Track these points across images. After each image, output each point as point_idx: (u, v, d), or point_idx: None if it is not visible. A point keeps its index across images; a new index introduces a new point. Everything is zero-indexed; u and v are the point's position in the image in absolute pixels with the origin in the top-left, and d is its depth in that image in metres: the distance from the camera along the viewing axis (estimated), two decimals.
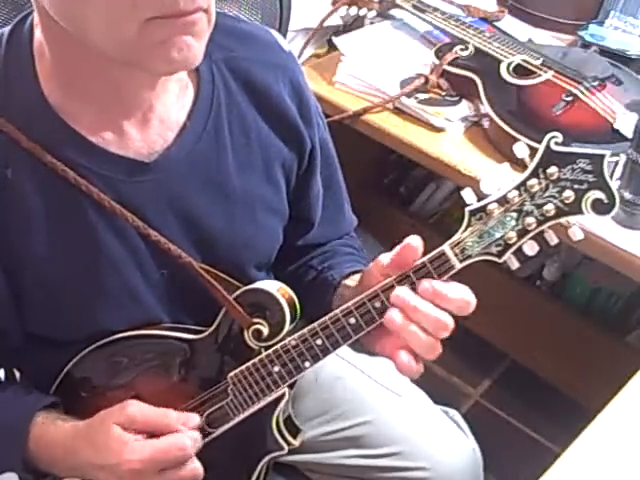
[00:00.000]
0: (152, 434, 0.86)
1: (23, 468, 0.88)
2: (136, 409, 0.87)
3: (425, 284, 0.78)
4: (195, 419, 0.89)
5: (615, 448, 0.87)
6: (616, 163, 1.22)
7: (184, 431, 0.87)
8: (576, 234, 0.77)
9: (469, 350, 1.91)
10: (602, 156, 0.74)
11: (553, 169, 0.75)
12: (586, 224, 1.18)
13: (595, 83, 1.40)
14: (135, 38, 0.71)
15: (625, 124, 1.30)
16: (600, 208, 0.74)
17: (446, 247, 0.79)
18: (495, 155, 1.38)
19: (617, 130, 1.31)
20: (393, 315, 0.79)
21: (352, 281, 0.95)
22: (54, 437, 0.87)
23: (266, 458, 0.94)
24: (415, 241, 0.79)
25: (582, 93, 1.38)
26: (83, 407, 0.93)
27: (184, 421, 0.88)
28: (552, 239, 0.78)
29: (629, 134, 1.26)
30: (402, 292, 0.79)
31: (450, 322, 0.79)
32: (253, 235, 0.95)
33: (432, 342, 0.79)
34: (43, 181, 0.82)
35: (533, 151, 0.77)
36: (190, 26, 0.72)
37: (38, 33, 0.80)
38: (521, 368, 1.97)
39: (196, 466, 0.87)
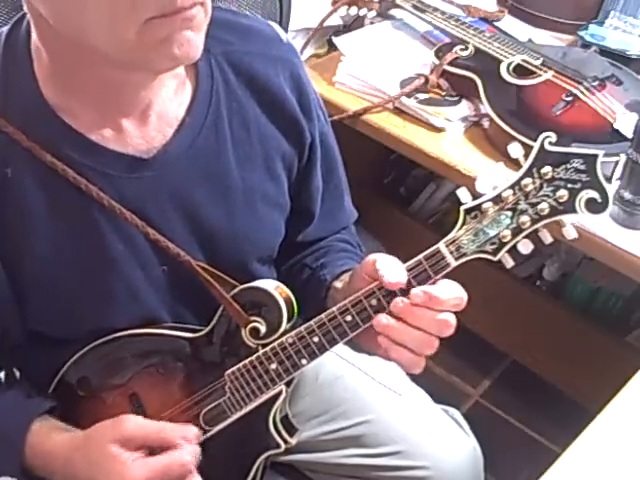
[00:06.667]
0: (151, 449, 0.85)
1: (21, 475, 0.88)
2: (133, 425, 0.85)
3: (417, 291, 0.80)
4: (193, 430, 0.88)
5: (615, 448, 0.87)
6: (616, 163, 1.22)
7: (184, 445, 0.86)
8: (570, 233, 0.78)
9: (469, 350, 1.91)
10: (595, 156, 0.75)
11: (547, 169, 0.76)
12: (586, 224, 1.18)
13: (595, 83, 1.40)
14: (135, 39, 0.71)
15: (625, 124, 1.30)
16: (593, 207, 0.76)
17: (441, 245, 0.80)
18: (495, 155, 1.37)
19: (617, 130, 1.31)
20: (381, 319, 0.81)
21: (340, 282, 0.96)
22: (51, 448, 0.87)
23: (263, 456, 0.94)
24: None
25: (582, 93, 1.38)
26: (81, 407, 0.93)
27: (182, 434, 0.86)
28: (546, 238, 0.79)
29: (629, 134, 1.26)
30: (400, 301, 0.81)
31: (453, 320, 0.80)
32: (254, 229, 0.95)
33: (427, 338, 0.81)
34: (43, 180, 0.82)
35: (528, 151, 0.77)
36: (189, 21, 0.72)
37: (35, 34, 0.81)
38: (521, 368, 1.97)
39: None
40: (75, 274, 0.86)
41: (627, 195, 1.20)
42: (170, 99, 0.87)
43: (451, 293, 0.80)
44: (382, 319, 0.81)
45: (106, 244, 0.86)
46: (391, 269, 0.81)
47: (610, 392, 0.92)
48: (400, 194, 2.19)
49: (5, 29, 0.84)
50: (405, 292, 0.81)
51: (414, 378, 1.18)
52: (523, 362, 1.97)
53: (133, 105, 0.83)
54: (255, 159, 0.93)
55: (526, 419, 1.92)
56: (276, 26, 0.98)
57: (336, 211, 1.08)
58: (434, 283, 0.81)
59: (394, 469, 1.09)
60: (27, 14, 0.81)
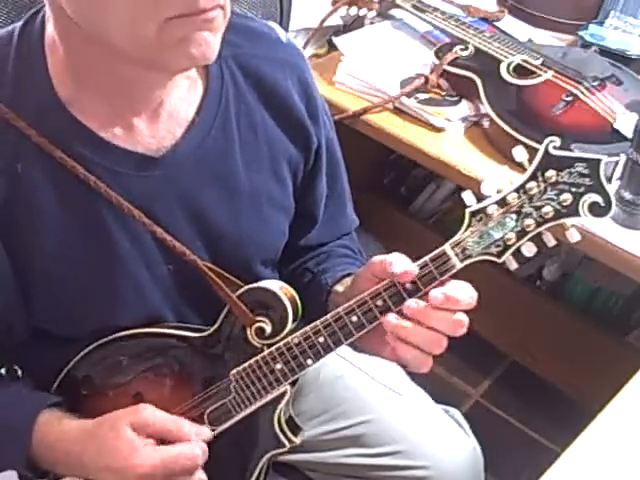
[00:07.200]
0: (162, 440, 0.86)
1: (25, 466, 0.88)
2: (151, 413, 0.87)
3: (437, 293, 0.79)
4: (207, 432, 0.89)
5: (615, 448, 0.87)
6: (616, 163, 1.22)
7: (195, 441, 0.87)
8: (573, 236, 0.79)
9: (469, 350, 1.90)
10: (598, 160, 0.76)
11: (551, 172, 0.77)
12: (586, 224, 1.18)
13: (595, 83, 1.40)
14: (155, 37, 0.71)
15: (625, 124, 1.31)
16: (597, 211, 0.76)
17: (447, 247, 0.80)
18: (495, 155, 1.38)
19: (617, 130, 1.31)
20: (390, 319, 0.81)
21: (341, 286, 0.96)
22: (58, 434, 0.87)
23: (267, 456, 0.94)
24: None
25: (582, 93, 1.38)
26: (84, 406, 0.93)
27: (196, 432, 0.88)
28: (550, 241, 0.79)
29: (629, 134, 1.26)
30: (414, 303, 0.81)
31: (466, 319, 0.81)
32: (259, 230, 0.95)
33: (438, 337, 0.81)
34: (53, 176, 0.82)
35: (532, 153, 0.78)
36: (209, 23, 0.73)
37: (50, 28, 0.81)
38: (521, 368, 1.97)
39: (202, 477, 0.87)
40: (83, 271, 0.86)
41: (627, 195, 1.20)
42: (181, 99, 0.87)
43: (465, 293, 0.80)
44: (391, 319, 0.81)
45: (113, 241, 0.86)
46: (402, 261, 0.81)
47: (610, 392, 0.93)
48: (400, 194, 2.19)
49: (19, 24, 0.84)
50: (411, 293, 0.82)
51: (414, 378, 1.19)
52: (523, 362, 1.97)
53: (146, 104, 0.84)
54: (262, 161, 0.93)
55: (526, 419, 1.92)
56: (275, 26, 0.98)
57: (338, 217, 1.08)
58: (440, 284, 0.81)
59: (394, 469, 1.10)
60: (44, 7, 0.81)
